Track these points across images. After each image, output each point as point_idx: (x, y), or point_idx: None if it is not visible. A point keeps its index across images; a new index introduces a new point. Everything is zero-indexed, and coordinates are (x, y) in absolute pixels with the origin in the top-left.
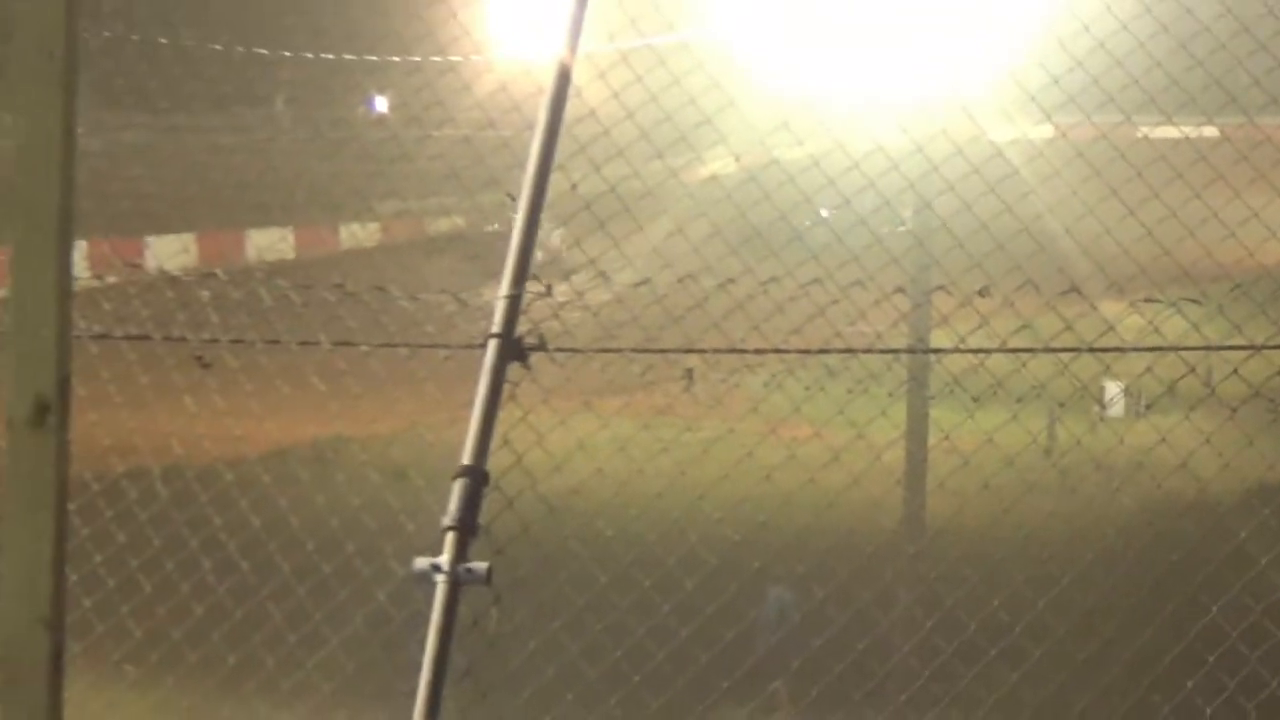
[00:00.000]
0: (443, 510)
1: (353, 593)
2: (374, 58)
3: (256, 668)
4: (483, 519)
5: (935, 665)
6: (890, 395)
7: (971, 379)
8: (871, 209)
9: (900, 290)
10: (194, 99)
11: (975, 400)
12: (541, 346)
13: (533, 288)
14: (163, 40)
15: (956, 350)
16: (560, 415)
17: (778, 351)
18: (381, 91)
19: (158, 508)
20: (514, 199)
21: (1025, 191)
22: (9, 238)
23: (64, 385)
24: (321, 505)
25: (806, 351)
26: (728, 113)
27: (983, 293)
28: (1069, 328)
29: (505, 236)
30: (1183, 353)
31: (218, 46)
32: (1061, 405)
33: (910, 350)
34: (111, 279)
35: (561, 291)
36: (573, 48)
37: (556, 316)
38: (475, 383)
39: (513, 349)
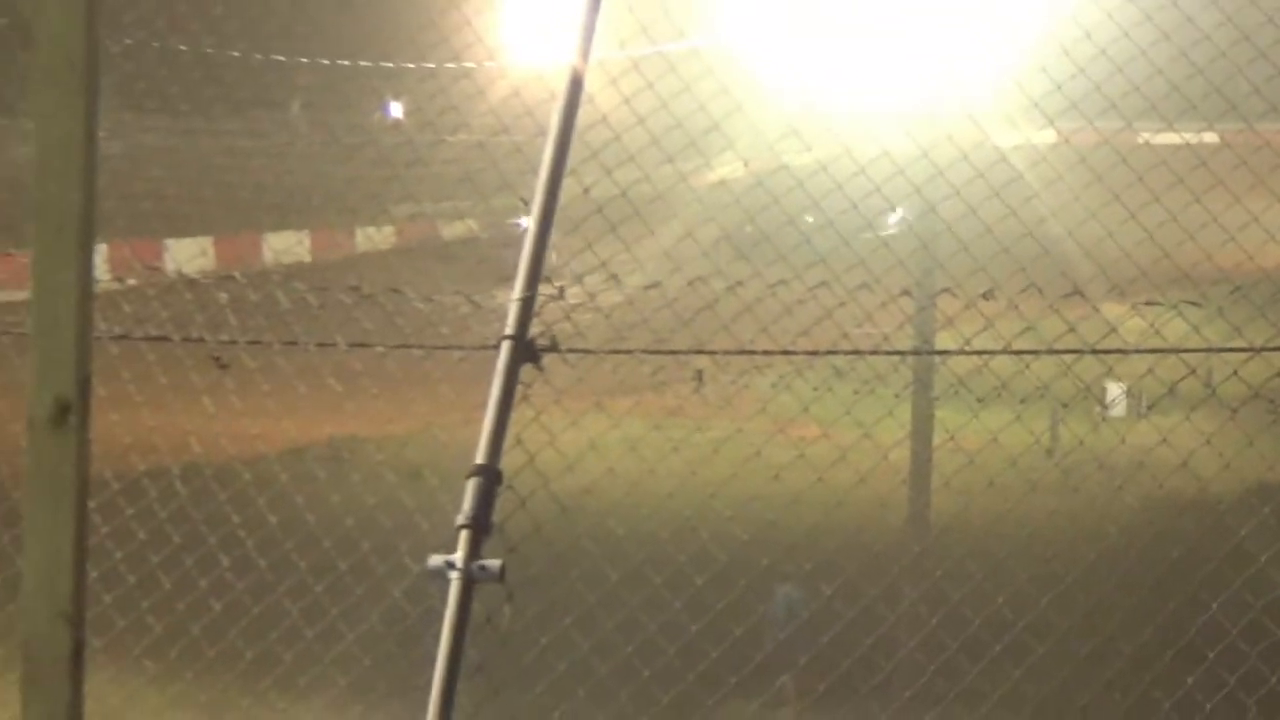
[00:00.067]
0: (457, 509)
1: (368, 589)
2: (389, 64)
3: (274, 663)
4: (496, 517)
5: (941, 661)
6: (896, 396)
7: (976, 380)
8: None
9: (906, 293)
10: (212, 103)
11: (980, 401)
12: (554, 348)
13: (545, 290)
14: (182, 47)
15: (961, 352)
16: (572, 415)
17: (786, 353)
18: (397, 97)
19: (177, 505)
20: (527, 203)
21: (1029, 196)
22: (31, 241)
23: (85, 385)
24: (338, 504)
25: (814, 353)
26: (736, 119)
27: (987, 295)
28: (1072, 330)
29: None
30: (1183, 354)
31: (236, 53)
32: (1064, 406)
33: (916, 352)
34: (131, 281)
35: (574, 294)
36: (585, 54)
37: (569, 318)
38: (489, 384)
39: (526, 350)
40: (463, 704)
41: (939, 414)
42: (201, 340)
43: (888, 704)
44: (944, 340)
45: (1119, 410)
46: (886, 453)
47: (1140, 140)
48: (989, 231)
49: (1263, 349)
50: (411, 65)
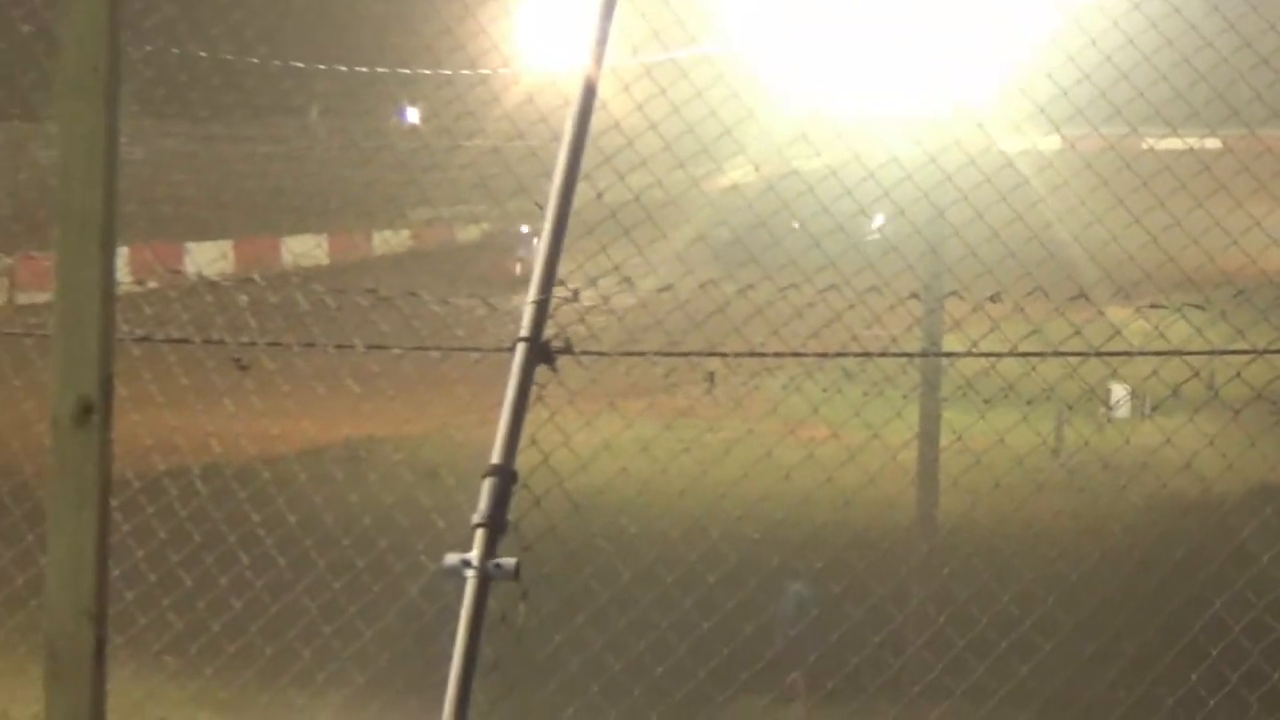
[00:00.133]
0: (472, 508)
1: (386, 587)
2: (406, 70)
3: (293, 659)
4: (511, 516)
5: (948, 658)
6: (905, 397)
7: (983, 381)
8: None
9: (914, 296)
10: (232, 109)
11: (986, 402)
12: (568, 350)
13: (560, 293)
14: (202, 54)
15: (969, 354)
16: (586, 416)
17: (796, 355)
18: (413, 103)
19: (197, 504)
20: (542, 207)
21: (1035, 201)
22: (55, 243)
23: (107, 386)
24: (355, 503)
25: (824, 355)
26: (748, 124)
27: (994, 298)
28: (1077, 332)
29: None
30: (1187, 357)
31: (255, 59)
32: (1070, 407)
33: (924, 354)
34: (153, 284)
35: (587, 297)
36: (598, 61)
37: (583, 321)
38: (504, 385)
39: (540, 352)
40: (478, 700)
41: (947, 415)
42: (222, 342)
43: (896, 700)
44: (952, 342)
45: (1123, 411)
46: (895, 453)
47: (1144, 146)
48: (996, 236)
49: (1265, 351)
50: (428, 71)
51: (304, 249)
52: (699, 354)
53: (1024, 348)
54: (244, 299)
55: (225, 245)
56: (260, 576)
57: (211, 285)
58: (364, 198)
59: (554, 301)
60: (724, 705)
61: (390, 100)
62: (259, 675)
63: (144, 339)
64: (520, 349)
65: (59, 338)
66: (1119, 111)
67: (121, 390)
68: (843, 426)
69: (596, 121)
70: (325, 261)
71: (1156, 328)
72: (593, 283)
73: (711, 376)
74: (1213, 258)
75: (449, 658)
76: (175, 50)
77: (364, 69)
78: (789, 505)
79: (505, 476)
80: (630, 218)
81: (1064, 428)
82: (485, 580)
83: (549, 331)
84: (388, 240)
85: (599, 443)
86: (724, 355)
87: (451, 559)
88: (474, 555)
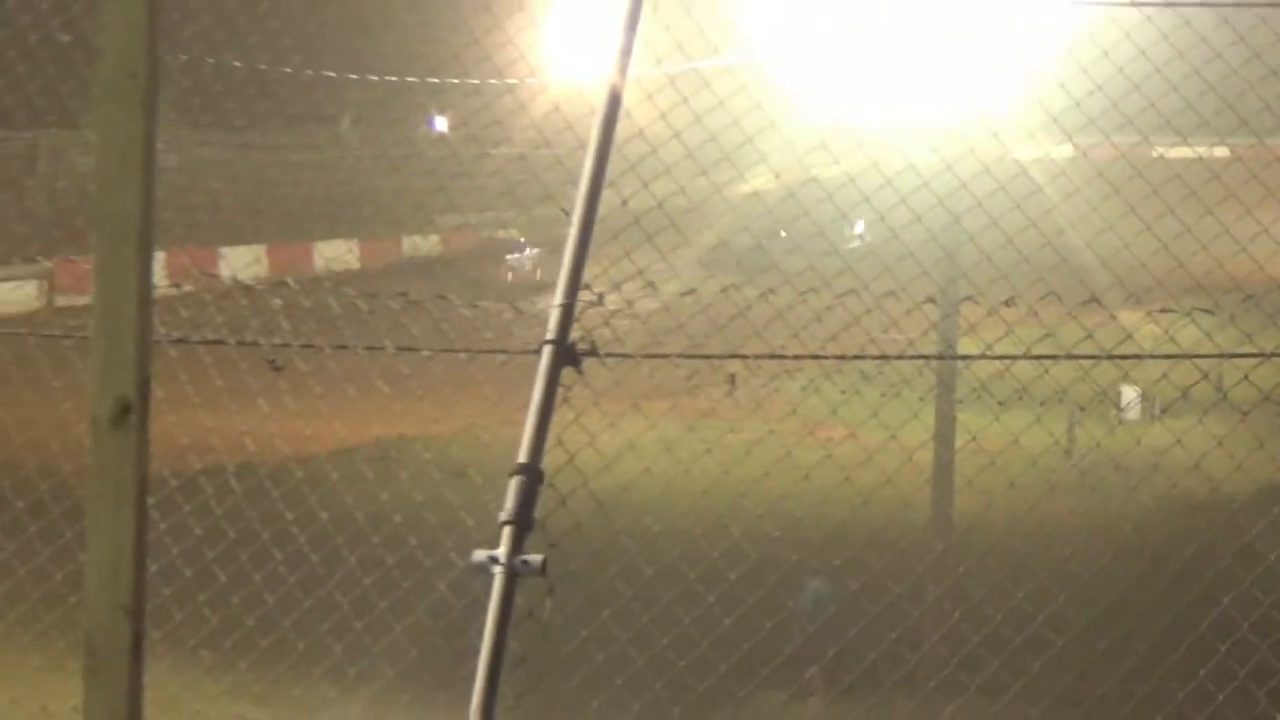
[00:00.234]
0: (500, 506)
1: (415, 583)
2: (435, 80)
3: (325, 654)
4: (537, 514)
5: (963, 654)
6: (921, 399)
7: (997, 384)
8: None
9: (930, 300)
10: (267, 118)
11: (1001, 404)
12: (593, 352)
13: (585, 297)
14: (237, 63)
15: (983, 357)
16: (610, 417)
17: (815, 357)
18: (442, 112)
19: (232, 503)
20: (568, 214)
21: (1048, 208)
22: (93, 248)
23: (144, 387)
24: (386, 501)
25: (842, 357)
26: (768, 133)
27: (1008, 303)
28: (1089, 336)
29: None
30: (1196, 360)
31: (289, 69)
32: (1082, 409)
33: (940, 356)
34: (189, 287)
35: (612, 301)
36: (623, 71)
37: (607, 324)
38: (530, 386)
39: (566, 354)
40: (505, 694)
41: (962, 416)
42: (256, 344)
43: (912, 695)
44: (967, 346)
45: (1134, 413)
46: (911, 454)
47: (1155, 155)
48: (1010, 242)
49: (1273, 354)
50: (456, 81)
51: (335, 254)
52: (721, 356)
53: (1037, 351)
54: (277, 302)
55: (259, 250)
56: (293, 573)
57: (246, 289)
58: (394, 204)
59: (579, 305)
60: (744, 699)
61: (420, 109)
62: (292, 669)
63: (180, 341)
64: (546, 351)
65: (97, 340)
66: (1131, 121)
67: (158, 391)
68: (861, 427)
69: (621, 130)
70: (356, 266)
71: (1167, 332)
72: (617, 287)
73: (733, 378)
74: (1222, 264)
75: (477, 652)
76: (211, 60)
77: (394, 78)
78: (808, 504)
79: (532, 475)
80: (653, 224)
81: (1076, 429)
82: (512, 576)
83: (574, 334)
84: (417, 245)
85: (623, 443)
86: (745, 358)
87: (479, 555)
88: (501, 552)
